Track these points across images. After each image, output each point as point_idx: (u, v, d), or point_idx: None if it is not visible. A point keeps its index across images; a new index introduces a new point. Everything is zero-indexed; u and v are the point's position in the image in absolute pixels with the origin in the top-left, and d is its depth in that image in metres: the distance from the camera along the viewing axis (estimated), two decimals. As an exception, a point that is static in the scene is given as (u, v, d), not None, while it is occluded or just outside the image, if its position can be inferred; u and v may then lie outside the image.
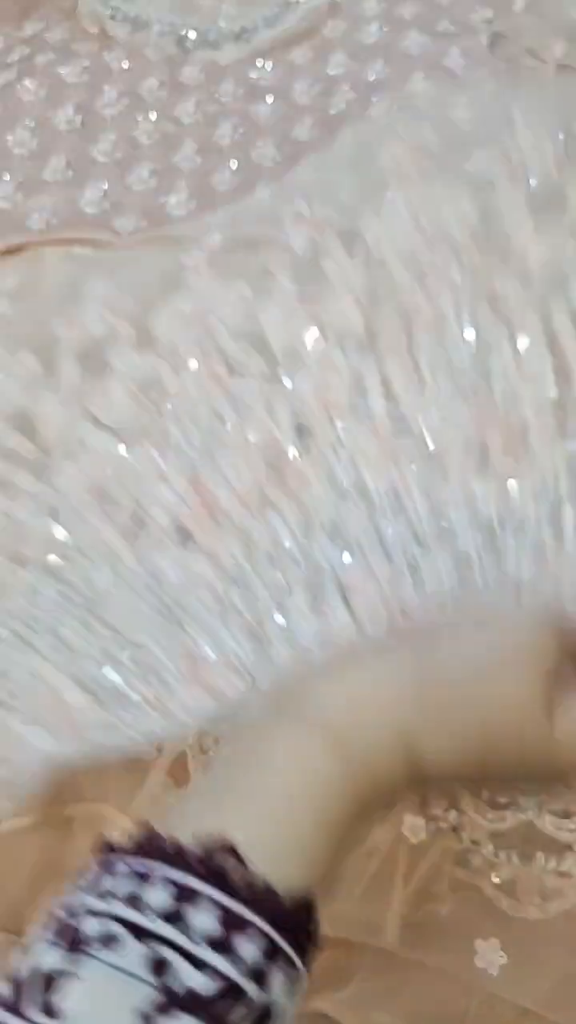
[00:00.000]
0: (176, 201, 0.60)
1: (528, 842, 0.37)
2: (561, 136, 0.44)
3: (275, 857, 0.23)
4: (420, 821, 0.37)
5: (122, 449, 0.37)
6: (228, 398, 0.38)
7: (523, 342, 0.36)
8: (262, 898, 0.22)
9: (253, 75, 0.68)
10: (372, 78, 0.63)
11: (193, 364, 0.39)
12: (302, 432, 0.37)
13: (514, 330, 0.37)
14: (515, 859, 0.36)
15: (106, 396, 0.39)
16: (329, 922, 0.35)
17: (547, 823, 0.37)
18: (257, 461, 0.36)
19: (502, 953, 0.34)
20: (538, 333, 0.37)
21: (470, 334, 0.38)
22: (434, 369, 0.37)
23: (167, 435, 0.37)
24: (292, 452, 0.37)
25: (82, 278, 0.56)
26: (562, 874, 0.36)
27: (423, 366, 0.37)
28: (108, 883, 0.22)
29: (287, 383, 0.38)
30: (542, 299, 0.38)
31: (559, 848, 0.37)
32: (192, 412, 0.38)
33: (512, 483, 0.34)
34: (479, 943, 0.34)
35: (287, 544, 0.35)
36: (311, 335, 0.38)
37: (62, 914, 0.22)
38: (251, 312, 0.39)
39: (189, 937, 0.21)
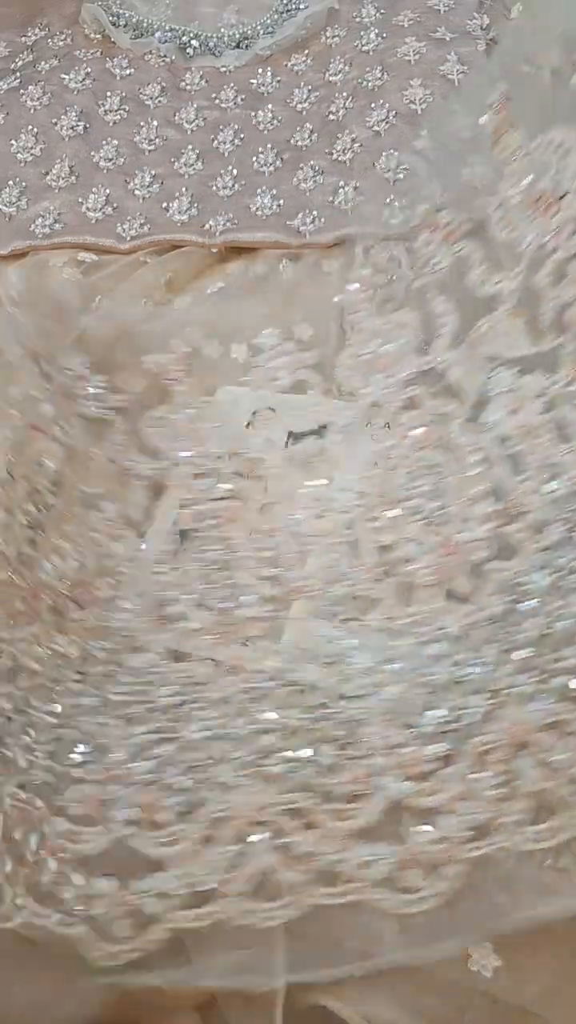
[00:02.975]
0: (178, 207, 0.61)
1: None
2: None
3: None
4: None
5: None
6: None
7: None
8: None
9: (253, 82, 0.69)
10: (371, 85, 0.64)
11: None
12: None
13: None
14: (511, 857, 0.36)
15: None
16: (327, 930, 0.36)
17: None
18: None
19: (496, 956, 0.34)
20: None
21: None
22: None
23: None
24: None
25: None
26: (559, 871, 0.37)
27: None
28: None
29: None
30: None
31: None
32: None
33: None
34: (472, 947, 0.35)
35: None
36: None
37: None
38: None
39: None
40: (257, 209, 0.60)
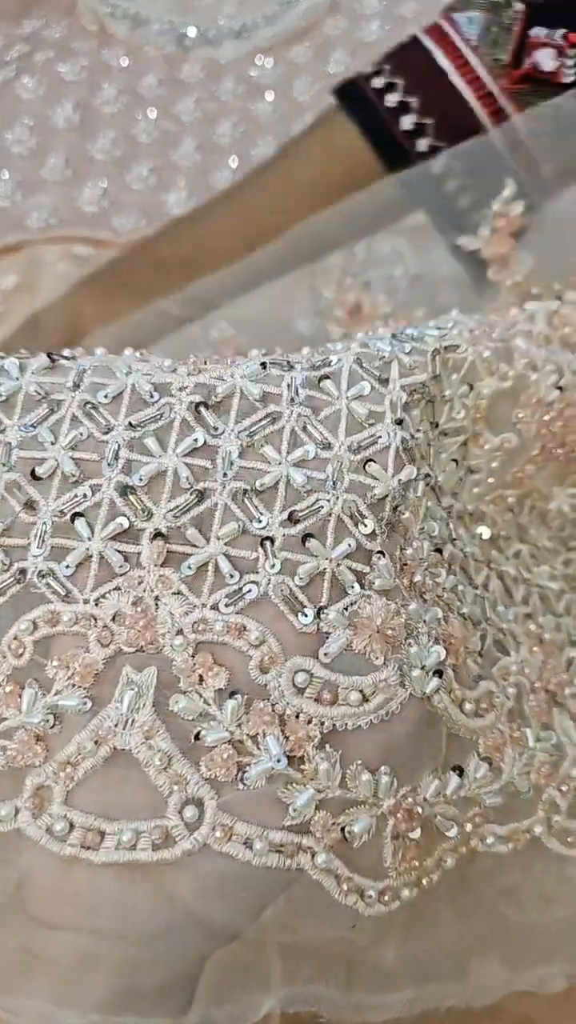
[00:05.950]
0: (176, 199, 0.60)
1: (532, 847, 0.36)
2: None
3: None
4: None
5: None
6: None
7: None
8: None
9: (253, 73, 0.68)
10: (373, 76, 0.63)
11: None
12: None
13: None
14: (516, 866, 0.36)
15: None
16: (329, 941, 0.35)
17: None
18: None
19: (500, 967, 0.34)
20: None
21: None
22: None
23: None
24: None
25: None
26: (564, 879, 0.36)
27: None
28: None
29: None
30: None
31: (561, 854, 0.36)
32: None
33: None
34: (476, 960, 0.34)
35: None
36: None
37: None
38: None
39: None
40: (256, 202, 0.59)
